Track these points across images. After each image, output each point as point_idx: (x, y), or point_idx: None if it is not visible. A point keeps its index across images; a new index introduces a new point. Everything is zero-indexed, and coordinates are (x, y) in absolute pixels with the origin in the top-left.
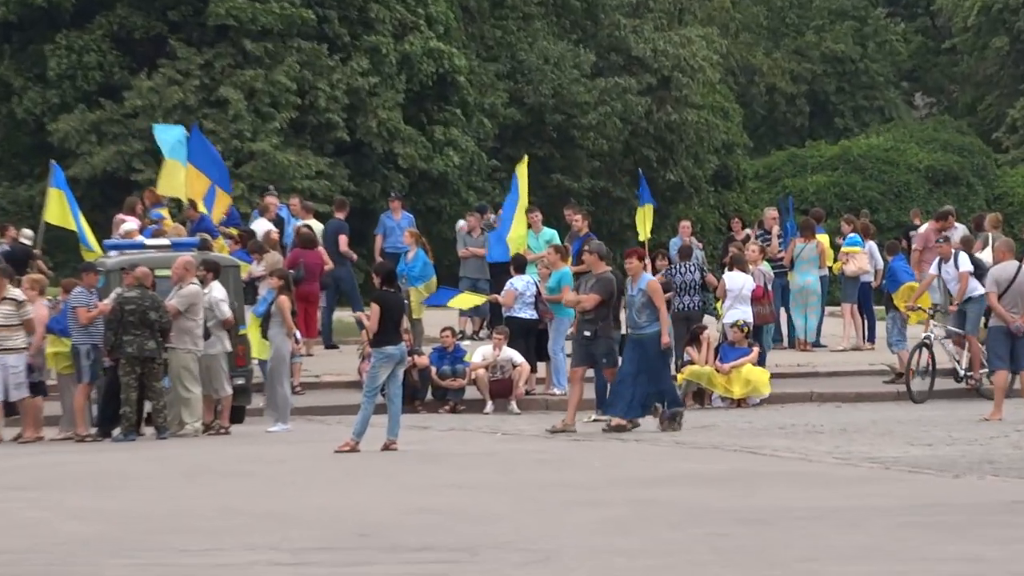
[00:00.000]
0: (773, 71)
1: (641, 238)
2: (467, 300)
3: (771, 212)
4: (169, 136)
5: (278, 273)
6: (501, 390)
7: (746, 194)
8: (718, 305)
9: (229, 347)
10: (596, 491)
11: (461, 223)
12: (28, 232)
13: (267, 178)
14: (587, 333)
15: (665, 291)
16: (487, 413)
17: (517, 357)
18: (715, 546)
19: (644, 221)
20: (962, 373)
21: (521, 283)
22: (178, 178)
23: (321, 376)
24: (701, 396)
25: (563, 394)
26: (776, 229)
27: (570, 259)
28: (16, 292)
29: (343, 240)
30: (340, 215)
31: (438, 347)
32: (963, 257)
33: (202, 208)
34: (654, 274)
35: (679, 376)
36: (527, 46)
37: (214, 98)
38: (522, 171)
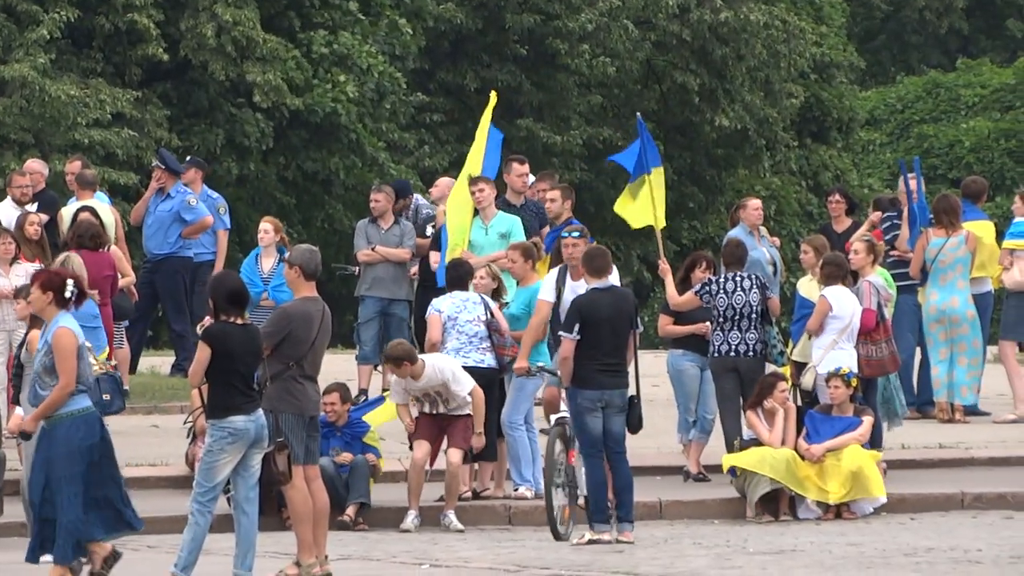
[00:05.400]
0: None
1: (655, 224)
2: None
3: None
4: None
5: (24, 294)
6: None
7: (854, 151)
8: (788, 346)
9: None
10: None
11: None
12: None
13: (28, 125)
14: None
15: (694, 319)
16: (407, 529)
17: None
18: None
19: (650, 198)
20: None
21: (452, 305)
22: None
23: (126, 465)
24: (776, 501)
25: (534, 495)
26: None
27: (545, 262)
28: None
29: None
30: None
31: (322, 418)
32: None
33: None
34: (687, 289)
35: (725, 461)
36: None
37: None
38: (485, 118)
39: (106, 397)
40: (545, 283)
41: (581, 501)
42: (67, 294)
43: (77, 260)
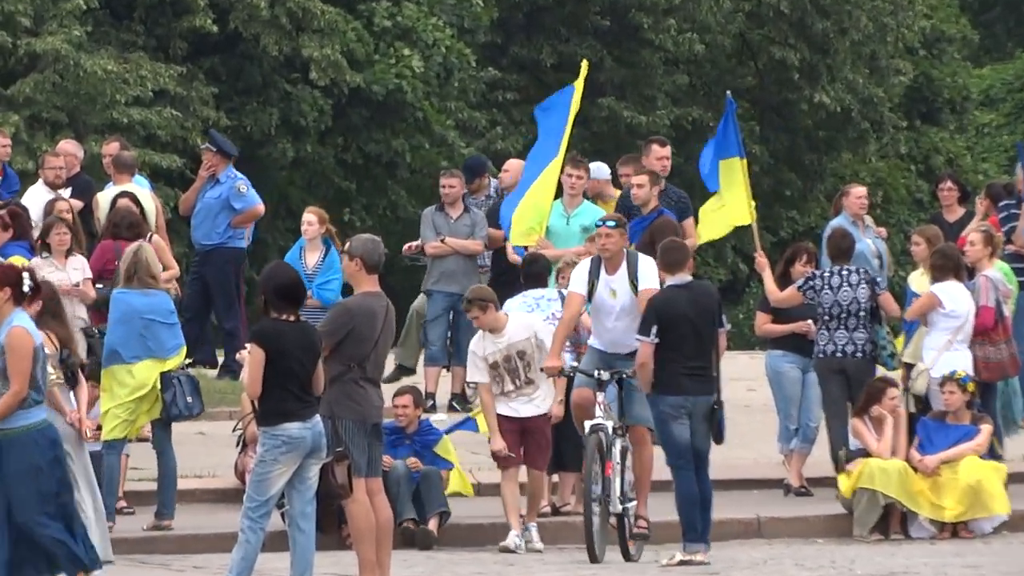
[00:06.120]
0: None
1: (743, 220)
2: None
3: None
4: None
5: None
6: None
7: (968, 134)
8: (898, 342)
9: None
10: None
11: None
12: None
13: (62, 103)
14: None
15: (794, 317)
16: (510, 548)
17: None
18: None
19: (732, 189)
20: None
21: (524, 304)
22: None
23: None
24: (886, 518)
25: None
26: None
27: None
28: None
29: None
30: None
31: (389, 424)
32: None
33: None
34: (786, 284)
35: (843, 483)
36: None
37: None
38: (578, 92)
39: (189, 400)
40: (576, 275)
41: (613, 520)
42: (24, 288)
43: (151, 250)
